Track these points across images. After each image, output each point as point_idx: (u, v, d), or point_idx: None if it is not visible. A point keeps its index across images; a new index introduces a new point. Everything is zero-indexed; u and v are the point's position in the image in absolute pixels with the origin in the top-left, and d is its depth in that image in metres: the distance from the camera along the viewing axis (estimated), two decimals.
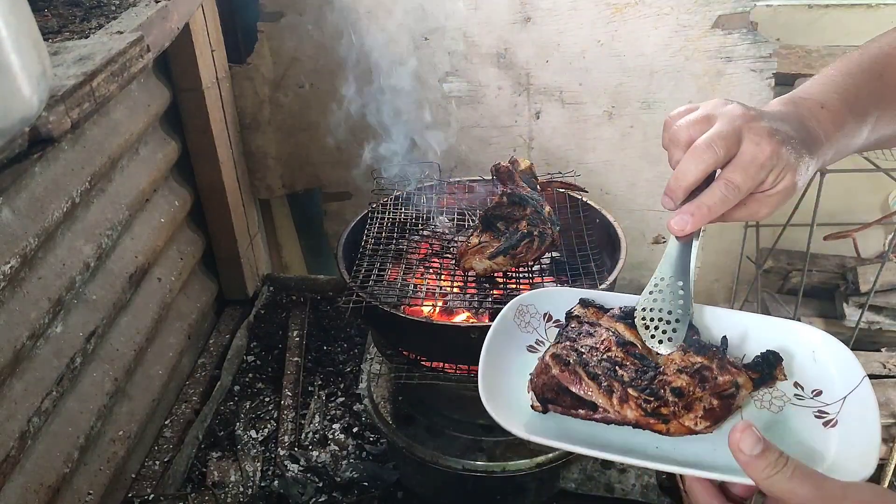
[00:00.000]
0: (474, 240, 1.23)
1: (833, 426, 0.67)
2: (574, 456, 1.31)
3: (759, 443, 0.56)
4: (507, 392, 0.71)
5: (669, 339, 0.73)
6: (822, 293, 2.29)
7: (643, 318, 0.75)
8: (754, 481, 0.56)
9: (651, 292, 0.76)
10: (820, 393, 0.71)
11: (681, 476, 1.40)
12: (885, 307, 2.13)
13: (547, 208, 1.25)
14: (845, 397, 0.68)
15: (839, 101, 0.76)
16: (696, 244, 0.75)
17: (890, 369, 2.14)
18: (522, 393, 0.72)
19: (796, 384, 0.73)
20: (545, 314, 0.80)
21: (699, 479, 0.63)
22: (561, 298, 0.81)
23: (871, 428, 0.64)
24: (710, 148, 0.69)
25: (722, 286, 2.52)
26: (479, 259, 1.19)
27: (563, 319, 0.79)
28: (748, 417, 0.70)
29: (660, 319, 0.74)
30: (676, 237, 0.74)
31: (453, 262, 1.29)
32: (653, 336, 0.74)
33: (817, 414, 0.69)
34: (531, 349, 0.77)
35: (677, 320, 0.73)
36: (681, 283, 0.75)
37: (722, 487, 0.64)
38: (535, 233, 1.20)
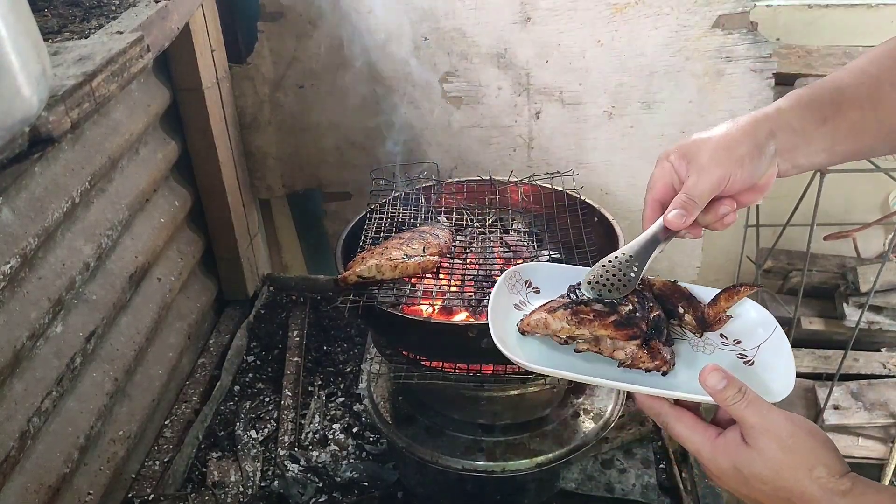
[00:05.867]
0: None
1: (751, 364, 0.86)
2: (574, 456, 1.31)
3: (722, 380, 0.73)
4: (507, 337, 0.89)
5: (618, 291, 0.90)
6: (822, 293, 2.28)
7: (591, 281, 0.90)
8: (721, 406, 0.73)
9: (604, 265, 0.91)
10: (739, 342, 0.90)
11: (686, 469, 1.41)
12: (885, 307, 2.13)
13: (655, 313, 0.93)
14: (759, 345, 0.88)
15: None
16: (662, 245, 0.89)
17: (890, 369, 2.14)
18: (516, 339, 0.90)
19: (721, 335, 0.92)
20: (527, 281, 1.00)
21: (655, 398, 0.79)
22: (539, 270, 1.01)
23: (785, 364, 0.84)
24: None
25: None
26: (538, 312, 0.92)
27: (540, 286, 0.99)
28: (687, 357, 0.89)
29: (607, 280, 0.89)
30: (666, 230, 0.88)
31: (451, 261, 1.29)
32: (598, 293, 0.90)
33: (739, 356, 0.88)
34: (517, 307, 0.96)
35: (624, 286, 0.89)
36: (637, 264, 0.89)
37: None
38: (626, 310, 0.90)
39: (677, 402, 0.80)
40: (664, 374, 0.85)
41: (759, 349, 0.88)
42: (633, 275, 0.89)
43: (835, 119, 0.83)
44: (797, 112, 0.84)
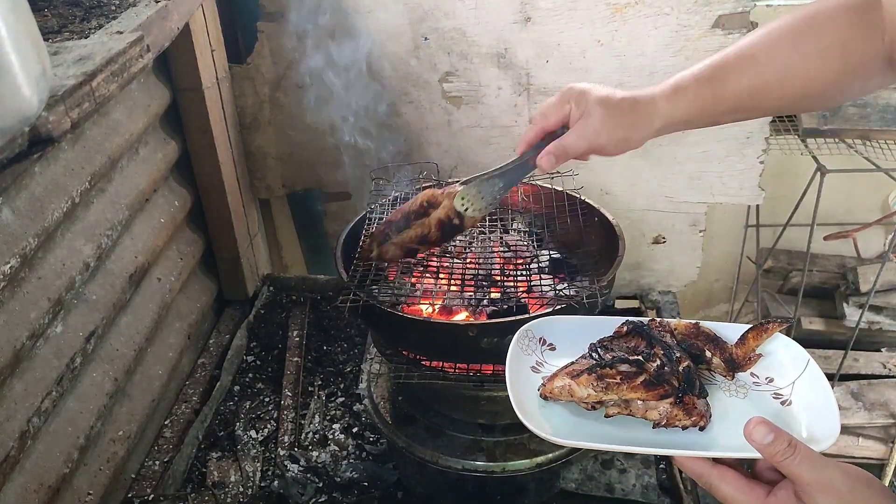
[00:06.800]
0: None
1: (789, 405, 0.82)
2: (574, 456, 1.31)
3: (769, 433, 0.68)
4: (527, 404, 0.84)
5: (479, 210, 1.12)
6: (822, 293, 2.29)
7: (463, 199, 1.11)
8: (771, 462, 0.69)
9: (480, 190, 1.11)
10: (772, 380, 0.86)
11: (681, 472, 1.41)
12: (885, 307, 2.14)
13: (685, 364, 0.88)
14: (794, 381, 0.84)
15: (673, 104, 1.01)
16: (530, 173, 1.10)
17: (890, 369, 2.15)
18: (538, 405, 0.85)
19: (752, 373, 0.87)
20: (540, 339, 0.94)
21: (695, 459, 0.75)
22: (552, 325, 0.96)
23: (826, 403, 0.79)
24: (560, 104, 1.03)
25: (722, 286, 2.52)
26: (560, 377, 0.87)
27: (555, 343, 0.94)
28: (721, 404, 0.84)
29: (480, 199, 1.11)
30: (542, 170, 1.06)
31: (451, 260, 1.29)
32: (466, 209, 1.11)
33: (774, 395, 0.84)
34: (534, 369, 0.90)
35: (489, 204, 1.12)
36: (501, 185, 1.11)
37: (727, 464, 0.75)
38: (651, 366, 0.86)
39: (716, 459, 0.75)
40: (702, 428, 0.80)
41: (793, 386, 0.83)
42: (498, 196, 1.11)
43: (719, 91, 0.97)
44: (684, 91, 1.00)
